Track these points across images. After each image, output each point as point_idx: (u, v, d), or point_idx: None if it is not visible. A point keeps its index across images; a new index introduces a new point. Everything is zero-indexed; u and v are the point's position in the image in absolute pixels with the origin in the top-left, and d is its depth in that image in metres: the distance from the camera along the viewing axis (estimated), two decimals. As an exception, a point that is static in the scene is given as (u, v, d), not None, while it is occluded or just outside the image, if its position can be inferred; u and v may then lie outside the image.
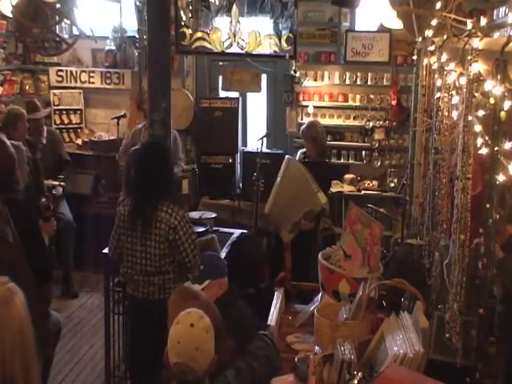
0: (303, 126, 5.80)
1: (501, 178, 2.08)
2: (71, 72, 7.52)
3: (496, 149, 2.08)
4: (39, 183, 5.40)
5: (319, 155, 5.61)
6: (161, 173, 3.88)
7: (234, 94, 7.13)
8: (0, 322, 1.99)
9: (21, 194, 3.82)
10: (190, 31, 5.92)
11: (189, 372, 2.18)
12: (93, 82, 7.49)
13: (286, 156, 5.38)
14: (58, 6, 5.67)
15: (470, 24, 2.36)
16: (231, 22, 5.87)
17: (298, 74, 6.72)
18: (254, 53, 5.93)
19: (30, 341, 2.05)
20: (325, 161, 5.78)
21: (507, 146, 2.06)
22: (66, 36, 7.14)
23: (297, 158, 5.82)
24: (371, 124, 6.69)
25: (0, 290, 2.05)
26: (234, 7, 5.84)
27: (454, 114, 2.62)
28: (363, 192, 6.70)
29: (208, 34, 5.89)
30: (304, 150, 5.86)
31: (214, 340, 2.27)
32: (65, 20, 6.24)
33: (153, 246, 3.80)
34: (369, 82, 6.69)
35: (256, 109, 7.43)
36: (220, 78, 7.15)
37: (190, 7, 5.95)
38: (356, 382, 2.44)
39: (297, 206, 5.08)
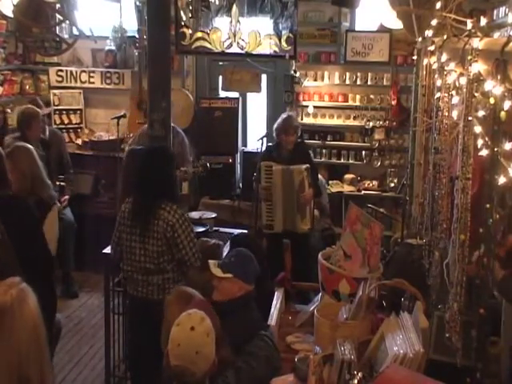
0: (285, 121, 5.52)
1: (501, 179, 2.08)
2: (71, 72, 7.52)
3: (496, 149, 2.08)
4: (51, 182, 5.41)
5: (294, 144, 5.58)
6: (163, 175, 3.91)
7: (234, 94, 7.13)
8: (16, 323, 2.00)
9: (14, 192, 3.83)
10: (190, 31, 5.91)
11: (188, 374, 2.18)
12: (93, 82, 7.49)
13: (274, 168, 5.36)
14: (57, 6, 5.67)
15: (469, 24, 2.36)
16: (231, 21, 5.86)
17: (298, 74, 6.72)
18: (254, 53, 5.92)
19: (44, 340, 2.05)
20: (299, 145, 5.68)
21: (507, 146, 2.06)
22: (65, 36, 7.14)
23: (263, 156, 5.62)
24: (371, 124, 6.69)
25: (14, 291, 2.05)
26: (234, 7, 5.83)
27: (454, 114, 2.62)
28: (363, 192, 6.71)
29: (208, 34, 5.88)
30: (270, 144, 5.71)
31: (214, 342, 2.26)
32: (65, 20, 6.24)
33: (151, 243, 3.82)
34: (369, 82, 6.69)
35: (256, 109, 7.42)
36: (220, 77, 7.15)
37: (190, 7, 5.94)
38: (356, 381, 2.44)
39: (294, 194, 5.30)
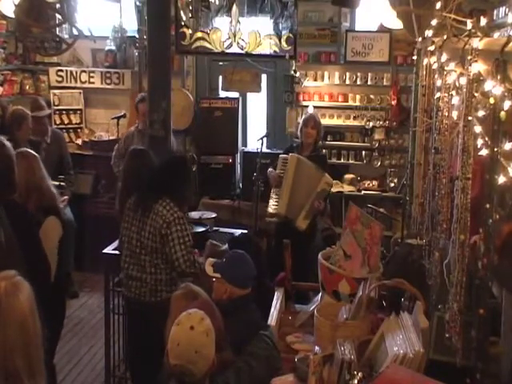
0: (307, 115, 5.66)
1: (501, 179, 2.08)
2: (71, 72, 7.52)
3: (496, 149, 2.08)
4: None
5: (316, 145, 5.58)
6: (177, 184, 3.98)
7: (234, 94, 7.13)
8: (4, 315, 2.00)
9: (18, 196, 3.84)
10: (190, 31, 5.93)
11: (188, 374, 2.18)
12: (93, 82, 7.49)
13: (291, 155, 5.33)
14: (57, 5, 5.66)
15: (469, 24, 2.37)
16: (231, 22, 5.88)
17: (297, 74, 6.71)
18: (254, 53, 5.94)
19: (34, 336, 2.05)
20: (320, 154, 5.72)
21: (507, 146, 2.06)
22: (65, 36, 7.14)
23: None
24: (371, 124, 6.69)
25: (4, 283, 2.05)
26: (234, 7, 5.85)
27: (454, 114, 2.63)
28: (363, 192, 6.71)
29: (208, 34, 5.90)
30: (294, 145, 5.72)
31: (215, 341, 2.26)
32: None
33: (146, 236, 3.87)
34: (369, 82, 6.69)
35: (256, 109, 7.42)
36: (220, 77, 7.15)
37: (190, 7, 5.96)
38: (356, 382, 2.44)
39: (309, 192, 5.25)
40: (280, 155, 5.47)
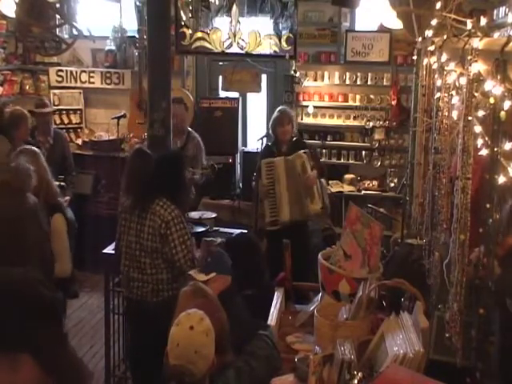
0: (279, 112, 5.50)
1: (501, 179, 2.08)
2: (71, 72, 7.53)
3: (496, 149, 2.08)
4: None
5: (291, 137, 5.53)
6: (172, 182, 3.99)
7: (234, 94, 7.13)
8: None
9: None
10: (190, 31, 5.92)
11: (187, 374, 2.18)
12: (93, 82, 7.50)
13: (276, 160, 5.30)
14: (57, 5, 5.66)
15: (469, 24, 2.36)
16: (231, 22, 5.87)
17: (297, 74, 6.72)
18: (254, 53, 5.93)
19: None
20: (297, 140, 5.66)
21: (507, 146, 2.06)
22: (65, 36, 7.14)
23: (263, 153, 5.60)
24: (371, 124, 6.70)
25: None
26: (234, 7, 5.84)
27: (454, 114, 2.63)
28: (363, 192, 6.72)
29: (208, 34, 5.89)
30: (269, 143, 5.67)
31: (217, 341, 2.26)
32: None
33: (145, 237, 3.87)
34: (369, 82, 6.69)
35: (256, 109, 7.42)
36: (220, 77, 7.15)
37: (190, 7, 5.95)
38: (356, 382, 2.44)
39: (296, 182, 5.24)
40: (262, 161, 5.37)
